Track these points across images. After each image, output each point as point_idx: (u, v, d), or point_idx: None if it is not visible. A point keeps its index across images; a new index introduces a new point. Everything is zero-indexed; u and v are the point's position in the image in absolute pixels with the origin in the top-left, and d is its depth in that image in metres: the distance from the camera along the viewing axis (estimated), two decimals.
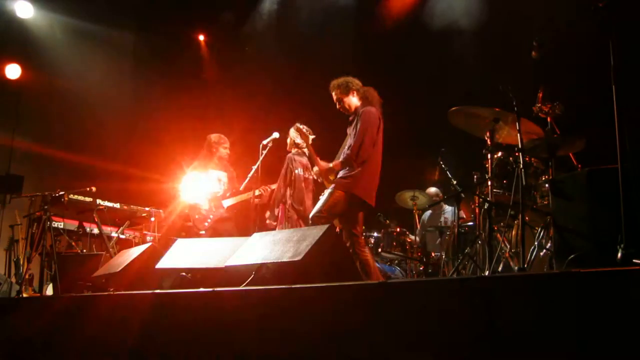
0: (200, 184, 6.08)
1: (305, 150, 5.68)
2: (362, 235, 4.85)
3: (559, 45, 5.05)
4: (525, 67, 4.65)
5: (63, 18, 8.40)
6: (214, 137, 6.27)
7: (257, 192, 5.74)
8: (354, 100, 4.85)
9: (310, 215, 4.64)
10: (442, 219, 6.90)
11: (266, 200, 5.88)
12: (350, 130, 4.83)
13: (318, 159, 4.90)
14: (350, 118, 4.87)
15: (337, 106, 4.90)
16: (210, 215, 5.96)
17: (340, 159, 4.74)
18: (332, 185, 4.69)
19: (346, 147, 4.77)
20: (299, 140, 5.73)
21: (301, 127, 5.16)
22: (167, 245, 4.43)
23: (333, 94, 4.88)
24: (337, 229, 4.83)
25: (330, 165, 4.79)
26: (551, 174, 4.04)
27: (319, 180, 4.95)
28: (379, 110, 4.79)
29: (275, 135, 5.65)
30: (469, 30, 6.66)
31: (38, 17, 8.33)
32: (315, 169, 4.97)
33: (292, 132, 5.78)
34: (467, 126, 4.40)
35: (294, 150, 5.93)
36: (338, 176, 4.73)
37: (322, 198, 4.70)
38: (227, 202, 6.01)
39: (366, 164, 4.63)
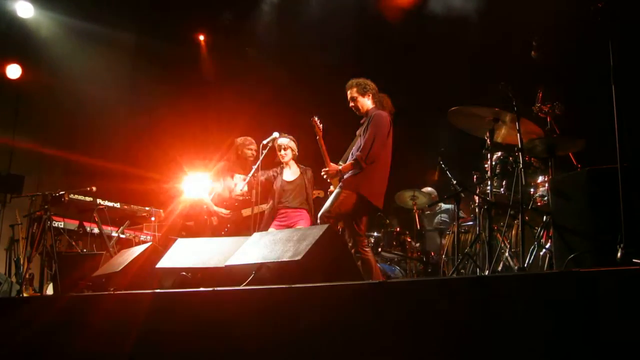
0: (223, 189, 6.02)
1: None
2: (365, 236, 4.86)
3: (559, 45, 5.05)
4: (525, 67, 4.65)
5: (63, 18, 8.38)
6: (239, 139, 6.13)
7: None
8: (367, 102, 4.86)
9: (319, 215, 4.66)
10: (439, 219, 6.90)
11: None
12: (360, 132, 4.84)
13: (329, 159, 4.90)
14: (362, 121, 4.88)
15: (350, 104, 4.90)
16: (228, 224, 5.93)
17: (350, 161, 4.73)
18: (340, 185, 4.70)
19: (354, 148, 4.79)
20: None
21: (317, 120, 5.12)
22: (168, 244, 4.44)
23: (349, 92, 4.88)
24: (339, 228, 4.85)
25: (340, 167, 4.78)
26: (551, 174, 4.05)
27: (327, 181, 4.93)
28: (391, 117, 4.82)
29: (275, 135, 5.64)
30: (469, 30, 6.66)
31: (38, 17, 8.32)
32: (325, 169, 4.93)
33: (291, 143, 5.73)
34: (467, 126, 4.41)
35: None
36: (345, 176, 4.72)
37: (330, 197, 4.71)
38: (246, 212, 5.90)
39: (374, 165, 4.64)
